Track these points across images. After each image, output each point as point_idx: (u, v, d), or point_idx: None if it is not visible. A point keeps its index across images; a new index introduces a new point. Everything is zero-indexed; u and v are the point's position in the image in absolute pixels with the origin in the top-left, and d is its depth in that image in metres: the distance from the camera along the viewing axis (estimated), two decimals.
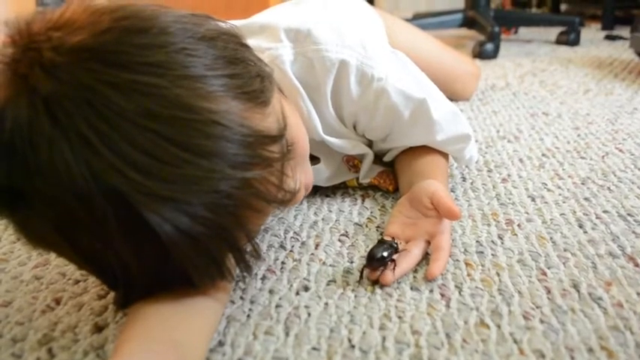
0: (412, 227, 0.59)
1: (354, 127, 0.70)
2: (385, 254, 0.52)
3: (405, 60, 0.70)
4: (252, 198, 0.42)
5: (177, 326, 0.43)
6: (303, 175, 0.54)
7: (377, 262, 0.52)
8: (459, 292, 0.51)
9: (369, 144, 0.74)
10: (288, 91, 0.61)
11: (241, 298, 0.52)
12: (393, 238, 0.57)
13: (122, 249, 0.39)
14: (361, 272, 0.54)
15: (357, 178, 0.74)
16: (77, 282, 0.56)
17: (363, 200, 0.72)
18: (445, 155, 0.72)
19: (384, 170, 0.74)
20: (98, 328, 0.49)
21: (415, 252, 0.55)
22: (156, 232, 0.37)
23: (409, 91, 0.66)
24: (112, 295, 0.53)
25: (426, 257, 0.57)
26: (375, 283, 0.53)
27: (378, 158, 0.75)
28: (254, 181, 0.41)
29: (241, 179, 0.40)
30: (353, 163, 0.74)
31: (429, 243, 0.57)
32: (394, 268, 0.53)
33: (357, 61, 0.63)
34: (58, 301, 0.53)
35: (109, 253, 0.40)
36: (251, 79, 0.45)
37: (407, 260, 0.54)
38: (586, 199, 0.69)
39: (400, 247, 0.55)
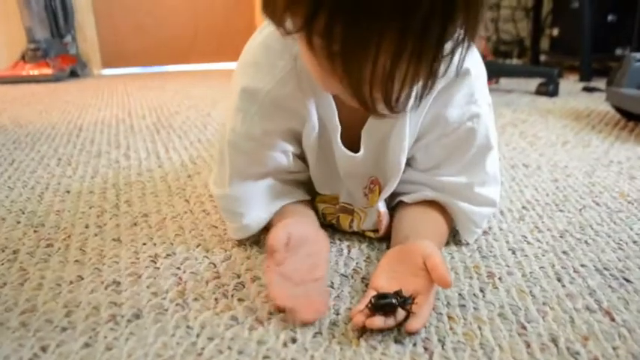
0: (399, 283, 0.59)
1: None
2: (387, 302, 0.54)
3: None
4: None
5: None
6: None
7: (379, 308, 0.54)
8: (442, 346, 0.52)
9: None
10: None
11: (229, 348, 0.52)
12: (412, 296, 0.56)
13: None
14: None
15: (351, 226, 0.76)
16: (64, 329, 0.56)
17: (349, 251, 0.73)
18: (449, 224, 0.74)
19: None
20: None
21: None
22: None
23: (491, 132, 0.70)
24: (99, 344, 0.53)
25: None
26: (362, 333, 0.54)
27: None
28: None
29: None
30: (372, 188, 0.75)
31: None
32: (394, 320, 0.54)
33: (476, 75, 0.67)
34: (44, 349, 0.53)
35: None
36: None
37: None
38: (564, 252, 0.72)
39: (412, 307, 0.55)
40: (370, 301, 0.55)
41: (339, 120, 0.69)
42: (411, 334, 0.54)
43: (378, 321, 0.54)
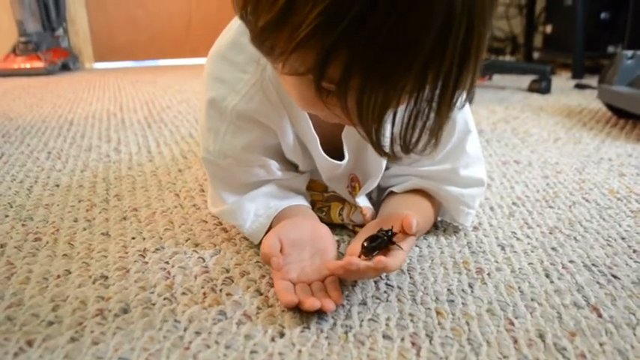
0: None
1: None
2: (375, 244, 0.59)
3: None
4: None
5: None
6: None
7: (369, 250, 0.59)
8: (430, 341, 0.52)
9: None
10: None
11: (216, 342, 0.52)
12: (390, 229, 0.60)
13: None
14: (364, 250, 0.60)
15: (341, 215, 0.77)
16: (51, 324, 0.55)
17: (339, 245, 0.73)
18: (435, 211, 0.75)
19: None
20: None
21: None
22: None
23: (468, 117, 0.71)
24: (85, 338, 0.53)
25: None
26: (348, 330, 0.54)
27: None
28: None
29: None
30: (353, 185, 0.75)
31: None
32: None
33: None
34: (30, 344, 0.53)
35: None
36: None
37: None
38: (553, 248, 0.72)
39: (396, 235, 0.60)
40: (363, 244, 0.59)
41: (315, 127, 0.68)
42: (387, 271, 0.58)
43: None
